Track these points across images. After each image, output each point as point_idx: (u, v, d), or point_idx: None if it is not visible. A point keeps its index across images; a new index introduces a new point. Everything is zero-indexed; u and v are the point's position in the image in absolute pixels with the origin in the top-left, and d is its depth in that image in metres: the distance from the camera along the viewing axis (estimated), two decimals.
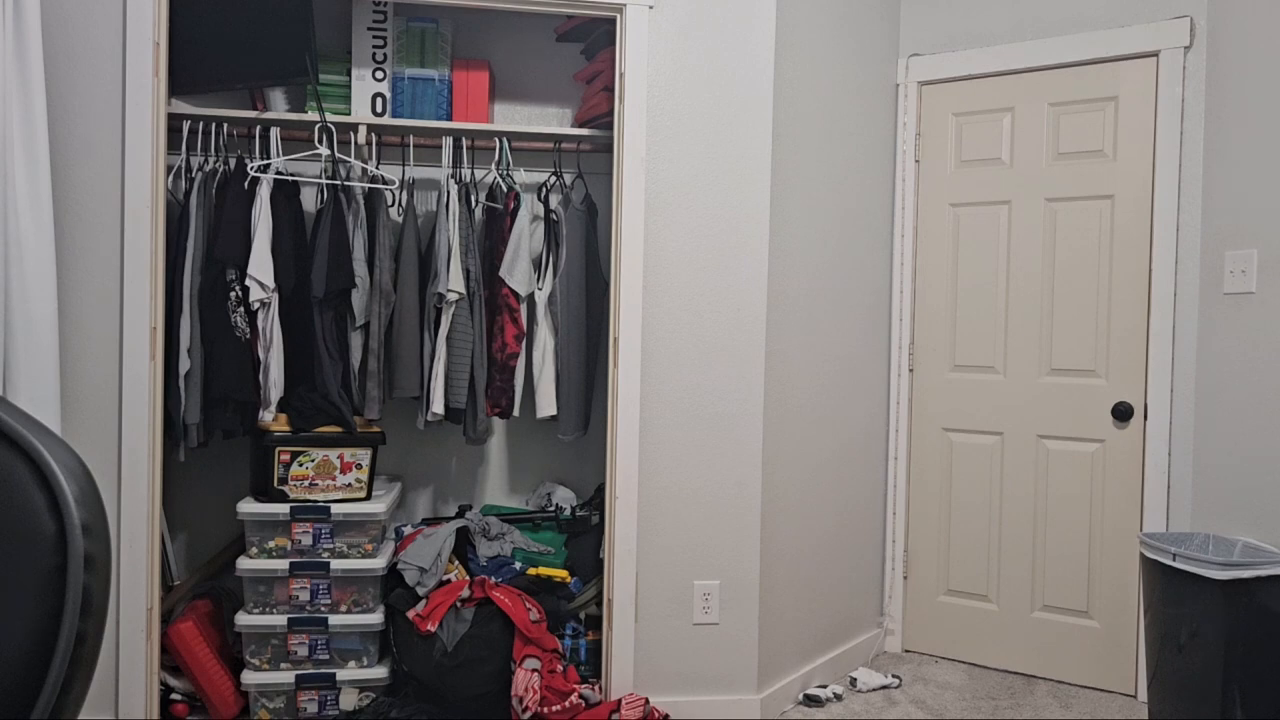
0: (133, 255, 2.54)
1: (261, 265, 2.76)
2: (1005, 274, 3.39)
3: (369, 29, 3.07)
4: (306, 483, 2.81)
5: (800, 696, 3.09)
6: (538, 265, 3.14)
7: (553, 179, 3.18)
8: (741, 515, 2.90)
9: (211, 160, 2.89)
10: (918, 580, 3.57)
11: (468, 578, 2.91)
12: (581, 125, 3.17)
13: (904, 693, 3.20)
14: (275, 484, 2.79)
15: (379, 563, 2.81)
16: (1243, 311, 2.86)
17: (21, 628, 0.95)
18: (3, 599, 0.96)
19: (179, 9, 2.66)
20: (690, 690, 2.88)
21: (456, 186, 3.03)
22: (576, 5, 2.86)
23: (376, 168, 3.06)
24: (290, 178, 2.95)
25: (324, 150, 2.92)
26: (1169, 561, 2.62)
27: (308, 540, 2.78)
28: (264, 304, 2.79)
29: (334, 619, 2.76)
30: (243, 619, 2.74)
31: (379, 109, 3.08)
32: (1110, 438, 3.21)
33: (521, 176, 3.17)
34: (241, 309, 2.79)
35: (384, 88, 3.08)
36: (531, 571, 3.01)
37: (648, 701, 2.78)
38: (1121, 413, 3.18)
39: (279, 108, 3.08)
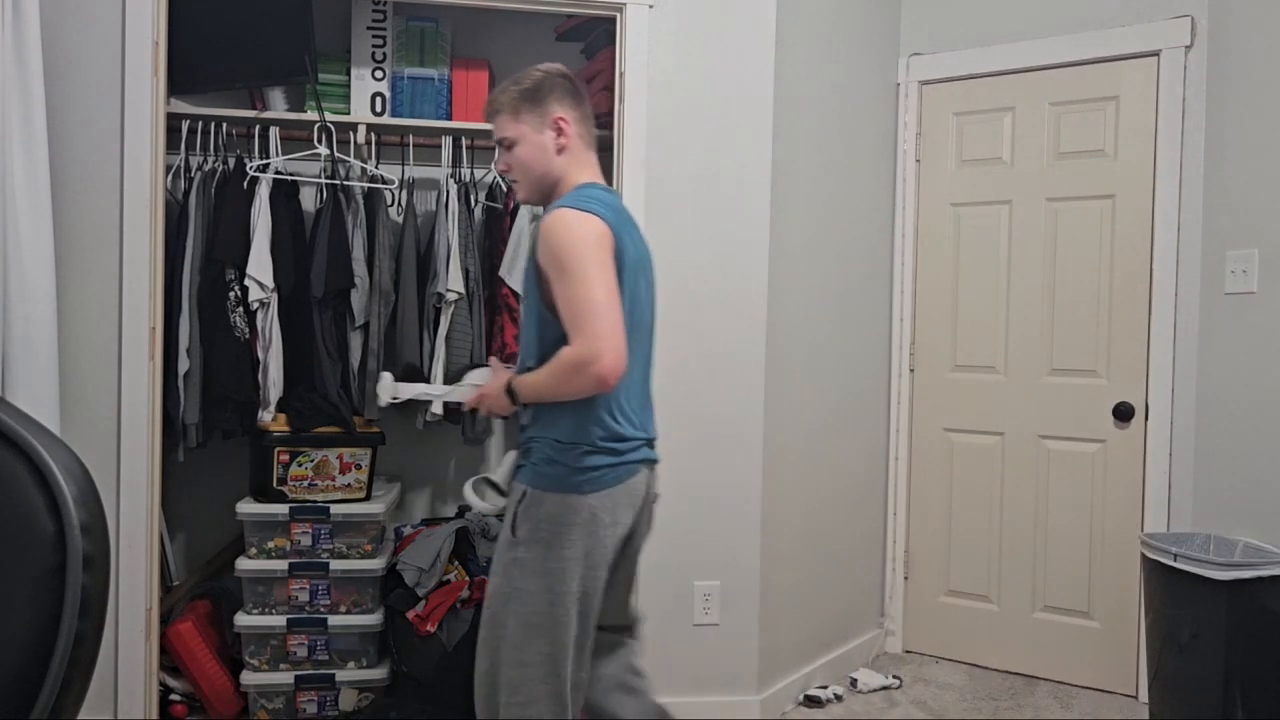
0: (132, 255, 2.54)
1: (261, 265, 2.76)
2: (1006, 274, 3.39)
3: (369, 28, 3.07)
4: (306, 483, 2.80)
5: (800, 697, 3.09)
6: None
7: None
8: (742, 515, 2.90)
9: (211, 160, 2.88)
10: (918, 581, 3.56)
11: (467, 578, 2.90)
12: None
13: (904, 693, 3.19)
14: (274, 484, 2.79)
15: (378, 563, 2.80)
16: (1244, 311, 2.86)
17: (20, 628, 0.94)
18: (2, 599, 0.95)
19: (179, 8, 2.65)
20: (690, 691, 2.88)
21: (456, 186, 3.03)
22: (576, 5, 2.86)
23: (376, 167, 3.06)
24: (289, 177, 2.94)
25: (323, 150, 2.91)
26: (1170, 562, 2.61)
27: (307, 541, 2.77)
28: (263, 304, 2.78)
29: (333, 619, 2.76)
30: (242, 619, 2.74)
31: (378, 108, 3.07)
32: (1111, 438, 3.20)
33: None
34: (241, 309, 2.78)
35: (383, 87, 3.07)
36: None
37: None
38: (1122, 413, 3.17)
39: (278, 107, 3.07)
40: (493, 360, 2.03)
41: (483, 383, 2.00)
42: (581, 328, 1.76)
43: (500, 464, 2.00)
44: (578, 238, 1.81)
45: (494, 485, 1.97)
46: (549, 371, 1.82)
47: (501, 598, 1.88)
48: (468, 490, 1.98)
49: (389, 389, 2.17)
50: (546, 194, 1.98)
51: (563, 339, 1.81)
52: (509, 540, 1.87)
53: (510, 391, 1.90)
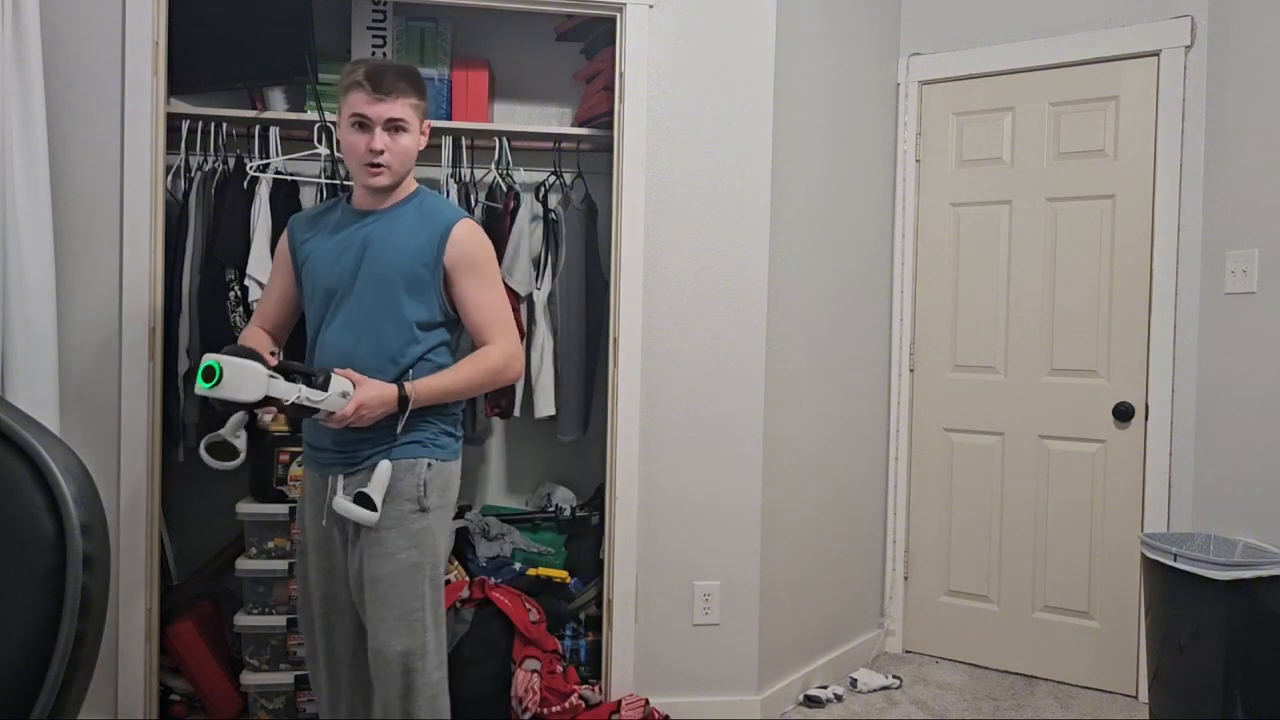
0: (132, 255, 2.54)
1: (261, 265, 2.75)
2: (1006, 274, 3.38)
3: (369, 28, 3.07)
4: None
5: (801, 697, 3.09)
6: (537, 265, 3.14)
7: (552, 178, 3.18)
8: (741, 515, 2.90)
9: (211, 160, 2.88)
10: (918, 581, 3.56)
11: (467, 578, 2.90)
12: (582, 124, 3.17)
13: (905, 693, 3.19)
14: (274, 484, 2.79)
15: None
16: (1244, 311, 2.85)
17: (20, 628, 0.94)
18: (2, 599, 0.95)
19: (178, 8, 2.65)
20: (690, 691, 2.88)
21: (456, 186, 3.03)
22: (576, 5, 2.86)
23: None
24: (289, 177, 2.94)
25: (323, 150, 2.90)
26: (1170, 562, 2.61)
27: None
28: None
29: None
30: (242, 619, 2.74)
31: None
32: (1111, 438, 3.20)
33: (521, 176, 3.16)
34: (241, 309, 2.78)
35: None
36: (531, 572, 3.00)
37: (648, 702, 2.77)
38: (1122, 413, 3.17)
39: (278, 107, 3.07)
40: (350, 372, 1.92)
41: (351, 391, 1.88)
42: (504, 331, 2.04)
43: (374, 478, 1.94)
44: (490, 250, 2.08)
45: (367, 499, 1.91)
46: (472, 371, 2.01)
47: (411, 569, 1.98)
48: (348, 505, 1.91)
49: (261, 382, 1.77)
50: (398, 186, 2.06)
51: (443, 338, 2.04)
52: (414, 513, 1.98)
53: (403, 399, 1.93)
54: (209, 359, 1.74)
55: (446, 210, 2.07)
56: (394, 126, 1.97)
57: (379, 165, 1.97)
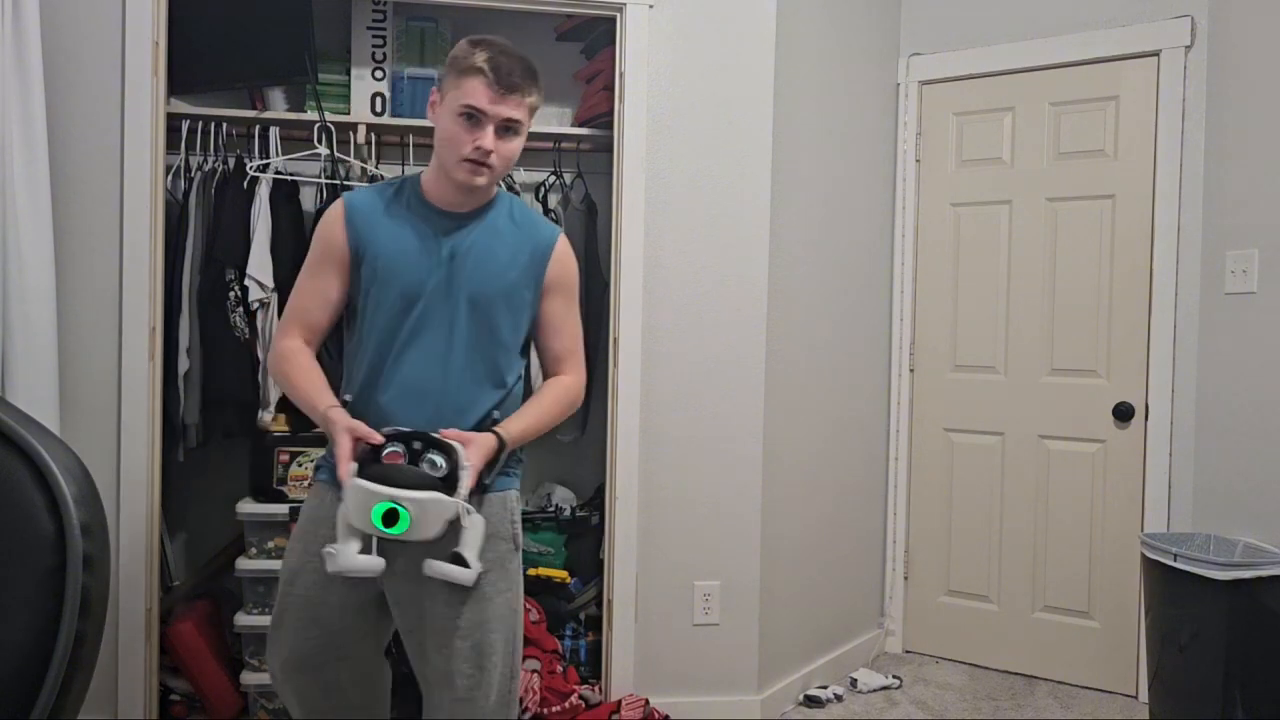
0: (132, 255, 2.54)
1: (261, 265, 2.76)
2: (1006, 274, 3.38)
3: (369, 28, 3.07)
4: (306, 483, 2.80)
5: (800, 697, 3.09)
6: None
7: (552, 178, 3.18)
8: (741, 516, 2.90)
9: (211, 160, 2.87)
10: (918, 581, 3.56)
11: None
12: (582, 124, 3.17)
13: (904, 693, 3.19)
14: (274, 484, 2.79)
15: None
16: (1244, 312, 2.85)
17: (21, 628, 0.94)
18: (2, 599, 0.95)
19: (178, 8, 2.65)
20: (690, 691, 2.88)
21: None
22: (576, 5, 2.86)
23: (376, 167, 3.05)
24: (289, 177, 2.94)
25: (323, 150, 2.90)
26: (1170, 562, 2.61)
27: None
28: (263, 304, 2.78)
29: None
30: (242, 619, 2.73)
31: (378, 108, 3.07)
32: (1111, 438, 3.20)
33: (521, 176, 3.16)
34: (241, 309, 2.78)
35: (383, 87, 3.07)
36: (531, 572, 3.00)
37: (648, 702, 2.77)
38: (1122, 413, 3.17)
39: (278, 107, 3.07)
40: (454, 433, 1.64)
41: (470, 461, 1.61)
42: (580, 362, 1.88)
43: (468, 534, 1.61)
44: (578, 273, 1.92)
45: (462, 559, 1.61)
46: (554, 407, 1.81)
47: (511, 613, 1.78)
48: (445, 568, 1.59)
49: (447, 511, 1.53)
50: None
51: (523, 364, 1.84)
52: (510, 551, 1.78)
53: (500, 447, 1.69)
54: (386, 499, 1.47)
55: (541, 223, 1.87)
56: (507, 127, 1.73)
57: (484, 165, 1.71)
